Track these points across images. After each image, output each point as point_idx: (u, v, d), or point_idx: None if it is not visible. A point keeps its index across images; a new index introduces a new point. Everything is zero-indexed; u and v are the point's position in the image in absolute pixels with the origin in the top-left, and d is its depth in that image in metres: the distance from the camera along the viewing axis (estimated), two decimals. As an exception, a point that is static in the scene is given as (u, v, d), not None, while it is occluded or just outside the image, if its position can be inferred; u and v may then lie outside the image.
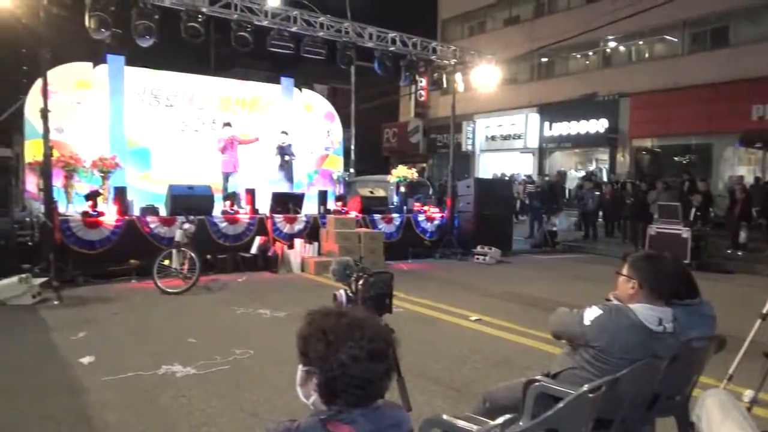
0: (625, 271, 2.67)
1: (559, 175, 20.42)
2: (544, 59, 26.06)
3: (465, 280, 10.18)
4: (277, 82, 15.07)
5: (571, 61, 25.54)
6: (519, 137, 26.43)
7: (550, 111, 24.87)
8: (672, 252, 3.56)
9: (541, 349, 5.79)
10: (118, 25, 9.59)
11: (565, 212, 17.61)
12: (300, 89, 15.57)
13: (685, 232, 12.05)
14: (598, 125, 23.08)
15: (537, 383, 2.51)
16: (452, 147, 15.09)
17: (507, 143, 27.16)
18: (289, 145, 13.33)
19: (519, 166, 26.35)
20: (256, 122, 14.27)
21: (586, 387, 2.28)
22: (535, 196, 16.91)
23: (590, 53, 24.74)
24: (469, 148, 28.29)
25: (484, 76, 14.12)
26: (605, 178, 21.69)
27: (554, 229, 15.54)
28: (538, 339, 6.14)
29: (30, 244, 9.18)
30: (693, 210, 13.16)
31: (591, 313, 2.58)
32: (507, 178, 22.03)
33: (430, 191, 18.25)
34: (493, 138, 27.91)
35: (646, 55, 22.98)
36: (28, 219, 9.67)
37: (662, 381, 2.65)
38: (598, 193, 16.61)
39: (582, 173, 24.19)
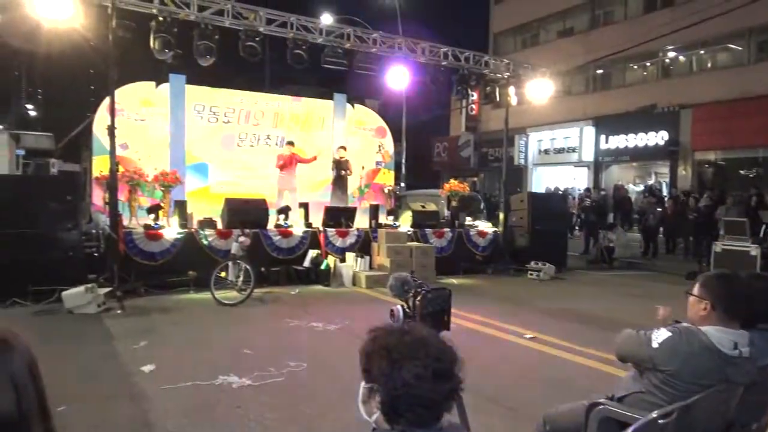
0: (695, 291, 2.54)
1: (623, 189, 19.87)
2: (600, 71, 25.50)
3: (518, 297, 9.98)
4: (330, 97, 15.31)
5: (628, 73, 24.89)
6: (573, 150, 25.87)
7: (607, 123, 24.26)
8: (740, 270, 3.38)
9: (602, 370, 5.58)
10: (179, 46, 10.00)
11: (624, 227, 17.06)
12: (352, 105, 15.76)
13: (754, 249, 11.44)
14: (658, 138, 22.34)
15: (601, 406, 2.41)
16: (505, 160, 14.90)
17: (561, 157, 26.63)
18: (346, 161, 13.45)
19: (573, 179, 25.77)
20: (309, 138, 14.53)
21: (655, 413, 2.17)
22: (591, 210, 16.46)
23: (648, 64, 24.05)
24: (522, 161, 27.89)
25: (537, 89, 13.93)
26: (666, 192, 20.92)
27: (611, 244, 15.07)
28: (597, 359, 5.93)
29: (96, 255, 9.61)
30: (763, 227, 12.48)
31: (659, 336, 2.46)
32: (561, 192, 21.60)
33: (482, 206, 18.08)
34: (546, 151, 27.43)
35: (709, 65, 22.15)
36: (94, 231, 10.13)
37: (737, 408, 2.50)
38: (659, 208, 16.02)
39: (641, 187, 23.43)
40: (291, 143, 13.18)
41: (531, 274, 12.21)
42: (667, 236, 16.47)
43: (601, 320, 7.94)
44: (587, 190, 19.14)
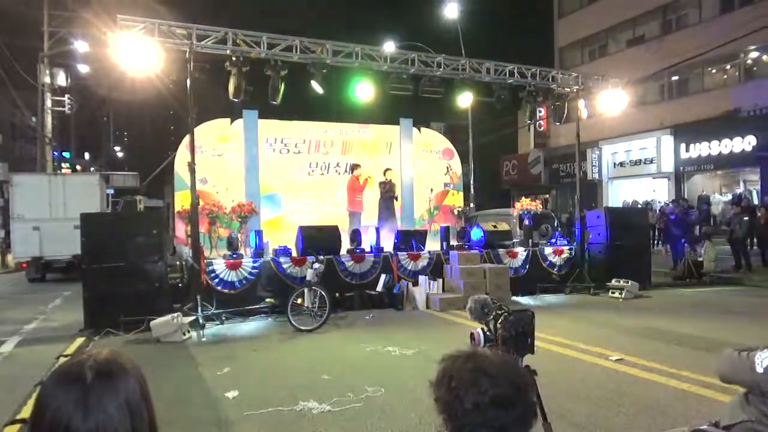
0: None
1: (701, 200, 18.81)
2: (675, 77, 24.45)
3: (600, 316, 9.59)
4: (396, 122, 15.49)
5: (707, 77, 23.71)
6: (651, 161, 24.81)
7: (686, 131, 23.14)
8: None
9: (698, 394, 5.22)
10: (251, 82, 10.44)
11: (712, 240, 16.06)
12: (419, 128, 15.87)
13: None
14: (744, 143, 21.04)
15: (705, 434, 2.24)
16: (579, 175, 14.49)
17: (638, 169, 25.58)
18: (393, 184, 13.40)
19: (653, 191, 24.65)
20: (377, 163, 14.70)
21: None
22: (674, 223, 15.63)
23: (728, 66, 22.83)
24: (595, 176, 27.00)
25: (609, 100, 13.53)
26: (757, 201, 19.58)
27: (699, 259, 14.21)
28: (692, 382, 5.55)
29: (180, 285, 10.07)
30: None
31: (765, 358, 2.27)
32: (641, 206, 20.67)
33: (555, 223, 17.59)
34: (621, 164, 26.45)
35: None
36: (178, 262, 10.64)
37: None
38: (747, 218, 14.99)
39: (728, 197, 22.07)
40: (357, 165, 13.37)
41: (613, 293, 11.70)
42: (762, 248, 15.36)
43: (693, 340, 7.46)
44: (674, 202, 18.10)
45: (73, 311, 9.49)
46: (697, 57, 17.76)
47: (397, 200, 13.59)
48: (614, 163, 26.73)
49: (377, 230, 11.73)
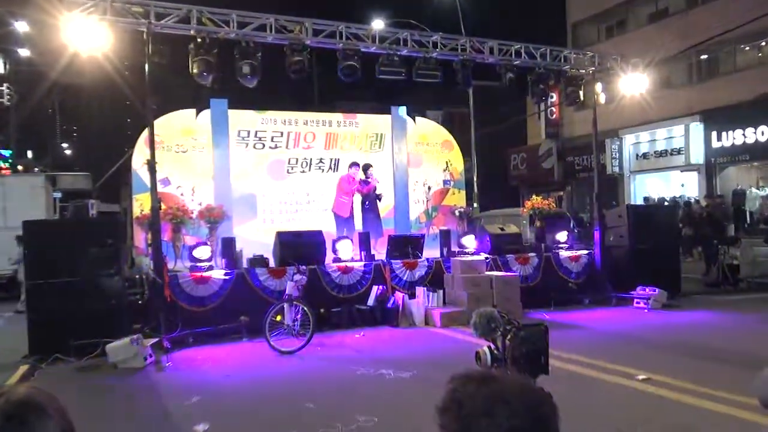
0: None
1: (735, 195, 18.96)
2: (704, 56, 24.62)
3: (624, 330, 9.64)
4: (387, 112, 15.49)
5: (740, 56, 23.89)
6: (679, 152, 24.94)
7: (718, 118, 23.28)
8: None
9: (738, 417, 5.25)
10: (220, 68, 10.42)
11: (748, 240, 16.18)
12: (413, 118, 15.88)
13: None
14: (784, 130, 21.21)
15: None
16: (596, 169, 14.55)
17: (663, 161, 25.72)
18: (374, 185, 13.49)
19: (682, 186, 24.80)
20: (366, 158, 14.69)
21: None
22: (705, 222, 15.74)
23: (763, 43, 23.02)
24: (616, 169, 27.11)
25: (629, 83, 13.60)
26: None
27: (735, 262, 14.31)
28: (729, 403, 5.59)
29: (140, 302, 10.02)
30: None
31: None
32: (667, 203, 20.81)
33: (571, 224, 17.67)
34: (644, 156, 26.58)
35: None
36: (137, 276, 10.58)
37: None
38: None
39: (766, 191, 22.27)
40: (355, 164, 13.49)
41: (637, 303, 11.75)
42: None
43: (730, 356, 7.51)
44: (709, 196, 18.16)
45: (15, 335, 9.39)
46: (729, 33, 17.88)
47: (380, 200, 13.64)
48: (637, 155, 26.85)
49: (367, 236, 11.72)
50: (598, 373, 7.06)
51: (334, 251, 11.26)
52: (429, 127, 16.37)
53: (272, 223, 13.68)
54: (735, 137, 22.87)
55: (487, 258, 11.91)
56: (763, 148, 22.05)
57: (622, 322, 10.49)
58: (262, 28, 10.65)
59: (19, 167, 26.73)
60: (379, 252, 12.02)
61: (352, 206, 13.08)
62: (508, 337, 2.48)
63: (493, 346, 2.57)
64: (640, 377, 6.71)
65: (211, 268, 10.25)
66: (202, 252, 10.29)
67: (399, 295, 10.90)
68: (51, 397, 1.17)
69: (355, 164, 13.44)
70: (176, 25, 10.08)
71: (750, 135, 22.36)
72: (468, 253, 12.06)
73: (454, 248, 12.44)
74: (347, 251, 11.33)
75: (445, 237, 12.46)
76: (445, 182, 15.80)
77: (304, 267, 9.69)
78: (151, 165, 9.80)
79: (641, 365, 7.15)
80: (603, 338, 9.07)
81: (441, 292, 11.10)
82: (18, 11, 22.37)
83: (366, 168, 13.60)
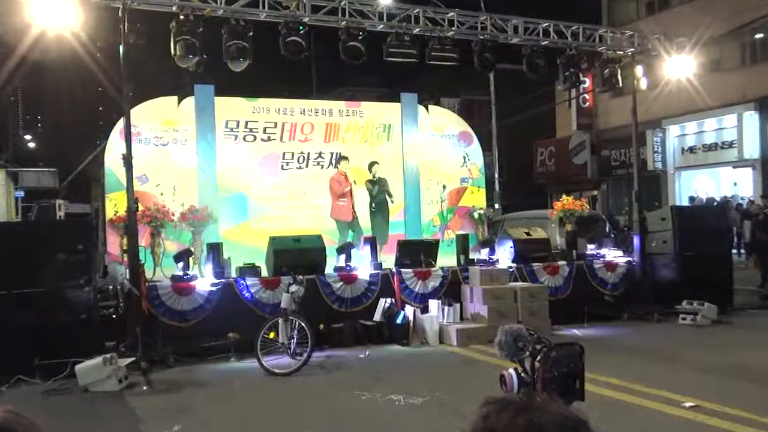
0: None
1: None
2: (759, 35, 24.53)
3: (668, 350, 9.63)
4: (397, 99, 15.50)
5: (802, 35, 23.80)
6: (731, 145, 24.85)
7: (776, 106, 23.19)
8: None
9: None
10: (205, 50, 10.46)
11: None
12: (426, 107, 15.88)
13: None
14: None
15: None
16: (636, 165, 14.52)
17: (713, 155, 25.63)
18: (385, 180, 13.45)
19: (735, 185, 24.71)
20: (373, 152, 14.68)
21: None
22: (761, 226, 15.66)
23: (830, 20, 22.91)
24: (658, 165, 27.05)
25: (674, 66, 13.57)
26: None
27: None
28: (790, 435, 5.56)
29: (114, 316, 10.03)
30: None
31: None
32: (717, 203, 20.72)
33: (607, 228, 17.62)
34: (691, 150, 26.50)
35: None
36: (111, 287, 10.60)
37: None
38: None
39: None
40: (344, 158, 13.40)
41: (683, 319, 11.71)
42: None
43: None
44: (766, 196, 18.00)
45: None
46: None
47: (392, 200, 13.60)
48: (682, 149, 26.77)
49: (373, 241, 11.72)
50: (638, 399, 7.05)
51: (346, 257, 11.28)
52: (444, 116, 16.35)
53: (264, 226, 13.69)
54: (796, 128, 22.78)
55: (510, 267, 11.90)
56: (829, 140, 21.95)
57: (666, 340, 10.48)
58: (253, 4, 10.68)
59: (-23, 163, 26.91)
60: (387, 260, 12.01)
61: (352, 207, 13.01)
62: (538, 358, 2.48)
63: (520, 369, 2.57)
64: (687, 404, 6.70)
65: (195, 277, 10.27)
66: (185, 259, 10.32)
67: (410, 310, 10.89)
68: (19, 418, 1.18)
69: (342, 158, 13.41)
70: (157, 0, 10.11)
71: (814, 126, 22.26)
72: (489, 262, 12.04)
73: (473, 255, 12.43)
74: (351, 259, 11.34)
75: (462, 243, 12.44)
76: (462, 180, 15.77)
77: (301, 277, 9.70)
78: (127, 160, 9.83)
79: (688, 390, 7.14)
80: (644, 359, 9.04)
81: (458, 305, 11.10)
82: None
83: (371, 166, 13.58)
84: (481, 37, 12.22)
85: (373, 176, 13.48)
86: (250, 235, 13.54)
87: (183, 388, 8.19)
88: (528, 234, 12.78)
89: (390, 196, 13.83)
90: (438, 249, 12.06)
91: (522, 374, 2.54)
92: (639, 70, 13.67)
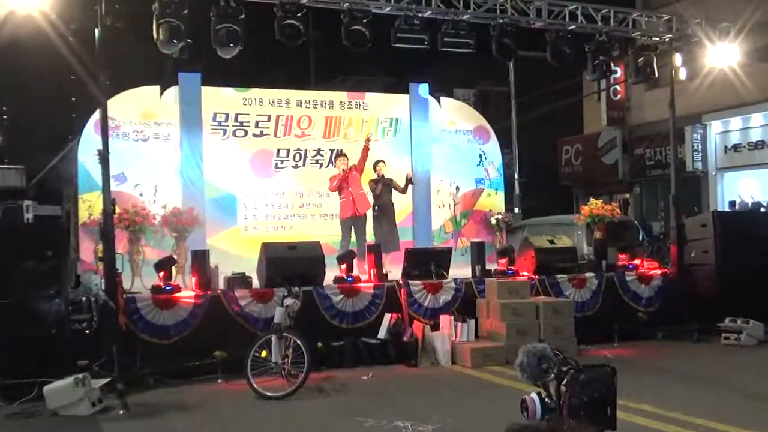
0: None
1: None
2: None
3: (710, 374, 9.61)
4: (405, 91, 15.51)
5: None
6: (780, 144, 24.84)
7: (831, 99, 23.16)
8: None
9: None
10: (191, 35, 10.48)
11: None
12: (438, 99, 15.90)
13: None
14: None
15: None
16: (674, 165, 14.50)
17: (760, 154, 25.57)
18: (390, 180, 13.44)
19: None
20: (377, 149, 14.68)
21: None
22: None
23: None
24: (698, 165, 27.00)
25: (716, 55, 13.55)
26: None
27: None
28: None
29: (87, 332, 10.03)
30: None
31: None
32: (765, 208, 20.66)
33: (640, 235, 17.61)
34: (735, 148, 26.45)
35: None
36: (84, 298, 10.60)
37: None
38: None
39: None
40: (341, 153, 13.38)
41: (726, 338, 11.70)
42: None
43: None
44: None
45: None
46: None
47: (406, 189, 13.50)
48: (725, 147, 26.73)
49: (377, 249, 11.71)
50: (676, 428, 7.04)
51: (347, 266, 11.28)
52: (458, 110, 16.40)
53: (256, 231, 13.74)
54: None
55: (532, 279, 11.88)
56: None
57: (708, 362, 10.47)
58: (246, -17, 10.70)
59: (-65, 159, 26.99)
60: (393, 270, 12.01)
61: (354, 202, 12.88)
62: (564, 381, 2.48)
63: (543, 393, 2.56)
64: (733, 435, 6.69)
65: (178, 289, 10.28)
66: (167, 268, 10.33)
67: (418, 326, 10.88)
68: None
69: (339, 155, 13.37)
70: (137, -22, 10.17)
71: None
72: (507, 273, 12.03)
73: (490, 266, 12.42)
74: (353, 269, 11.35)
75: (477, 251, 12.42)
76: (478, 181, 15.81)
77: (297, 289, 9.70)
78: (103, 156, 9.84)
79: (732, 419, 7.12)
80: (682, 384, 9.04)
81: (472, 322, 11.07)
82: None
83: (375, 164, 13.55)
84: (501, 20, 12.22)
85: (378, 176, 13.43)
86: (239, 241, 13.59)
87: (164, 413, 8.19)
88: (551, 242, 12.75)
89: (401, 189, 13.57)
90: (450, 258, 12.05)
91: (546, 399, 2.54)
92: (677, 58, 13.63)
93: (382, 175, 13.43)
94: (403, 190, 13.70)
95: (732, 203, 23.90)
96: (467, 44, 12.15)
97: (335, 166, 13.45)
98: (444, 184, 15.39)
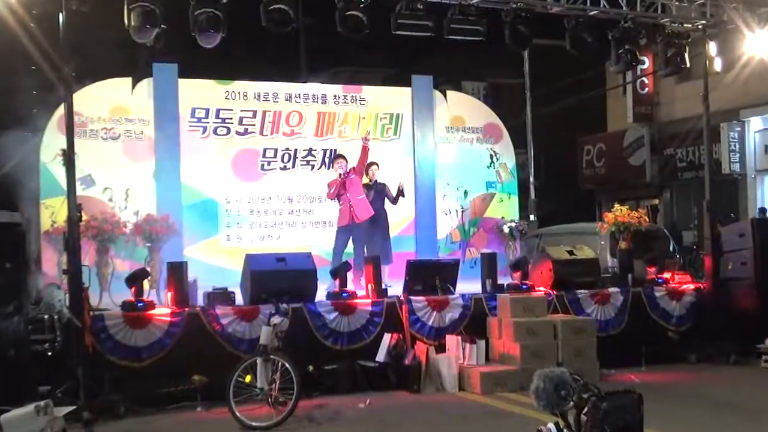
0: None
1: None
2: None
3: (749, 401, 9.61)
4: (407, 84, 15.53)
5: None
6: (828, 144, 24.92)
7: None
8: None
9: None
10: (168, 21, 10.48)
11: None
12: (443, 92, 15.92)
13: None
14: None
15: None
16: (708, 167, 14.53)
17: (804, 155, 25.67)
18: (383, 185, 13.47)
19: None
20: (376, 149, 14.68)
21: None
22: None
23: None
24: (735, 167, 27.03)
25: (755, 44, 13.59)
26: None
27: None
28: None
29: (50, 354, 10.02)
30: None
31: None
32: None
33: (671, 246, 17.62)
34: (777, 148, 26.53)
35: None
36: (46, 316, 10.59)
37: None
38: None
39: None
40: (341, 156, 13.40)
41: (767, 361, 11.71)
42: None
43: None
44: None
45: None
46: None
47: (396, 200, 13.53)
48: (765, 147, 26.79)
49: (376, 261, 11.73)
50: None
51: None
52: (466, 105, 16.42)
53: (240, 241, 13.74)
54: None
55: (549, 295, 11.90)
56: None
57: (747, 388, 10.46)
58: (228, -37, 10.74)
59: None
60: (394, 285, 12.02)
61: (351, 209, 12.90)
62: (585, 409, 2.49)
63: (561, 423, 2.57)
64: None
65: (152, 305, 10.28)
66: (139, 282, 10.33)
67: (421, 348, 10.89)
68: None
69: (338, 156, 13.40)
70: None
71: None
72: (522, 288, 12.04)
73: (502, 280, 12.44)
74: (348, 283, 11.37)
75: (488, 264, 12.44)
76: (488, 185, 15.82)
77: (285, 306, 9.71)
78: (68, 157, 9.85)
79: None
80: (717, 412, 9.04)
81: (482, 343, 11.09)
82: None
83: (368, 167, 13.56)
84: (514, 5, 12.25)
85: (370, 180, 13.44)
86: (221, 252, 13.60)
87: (136, 445, 8.21)
88: (571, 253, 12.76)
89: (395, 196, 13.62)
90: (458, 271, 12.08)
91: (564, 430, 2.54)
92: (712, 47, 13.67)
93: (375, 180, 13.43)
94: (394, 201, 13.72)
95: (761, 210, 23.84)
96: (477, 31, 12.17)
97: (334, 170, 13.42)
98: (450, 188, 15.39)
